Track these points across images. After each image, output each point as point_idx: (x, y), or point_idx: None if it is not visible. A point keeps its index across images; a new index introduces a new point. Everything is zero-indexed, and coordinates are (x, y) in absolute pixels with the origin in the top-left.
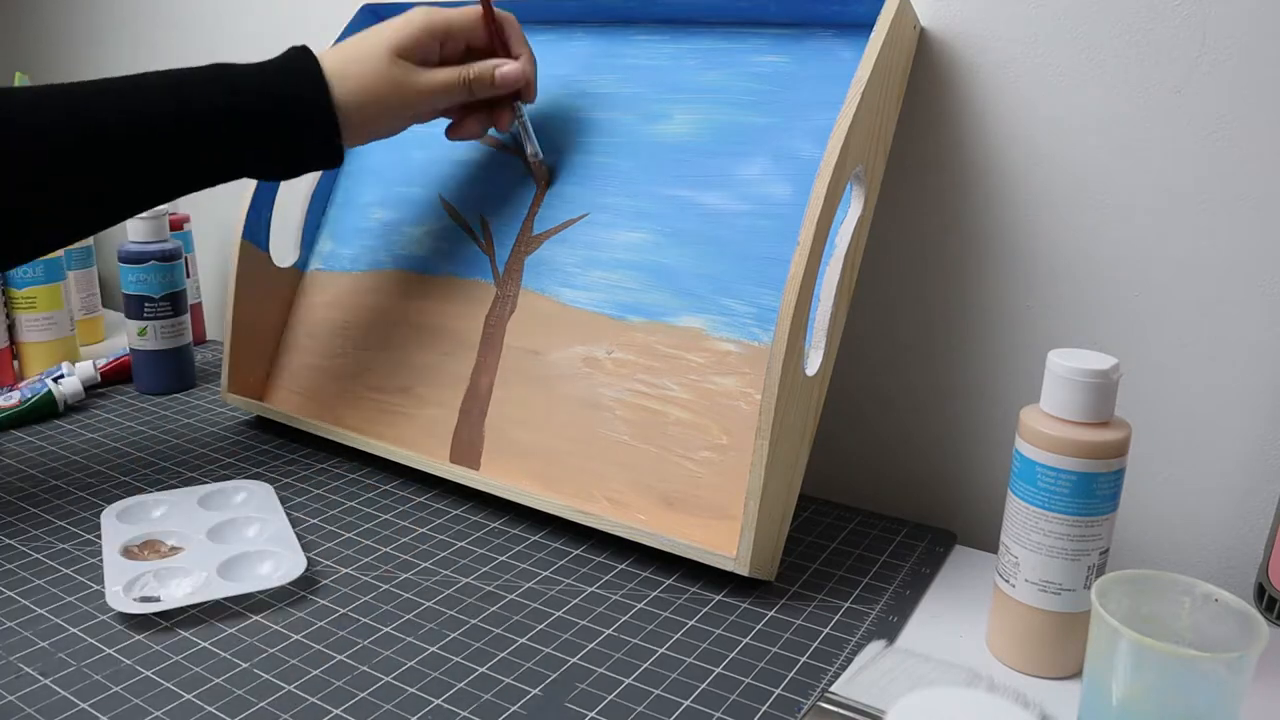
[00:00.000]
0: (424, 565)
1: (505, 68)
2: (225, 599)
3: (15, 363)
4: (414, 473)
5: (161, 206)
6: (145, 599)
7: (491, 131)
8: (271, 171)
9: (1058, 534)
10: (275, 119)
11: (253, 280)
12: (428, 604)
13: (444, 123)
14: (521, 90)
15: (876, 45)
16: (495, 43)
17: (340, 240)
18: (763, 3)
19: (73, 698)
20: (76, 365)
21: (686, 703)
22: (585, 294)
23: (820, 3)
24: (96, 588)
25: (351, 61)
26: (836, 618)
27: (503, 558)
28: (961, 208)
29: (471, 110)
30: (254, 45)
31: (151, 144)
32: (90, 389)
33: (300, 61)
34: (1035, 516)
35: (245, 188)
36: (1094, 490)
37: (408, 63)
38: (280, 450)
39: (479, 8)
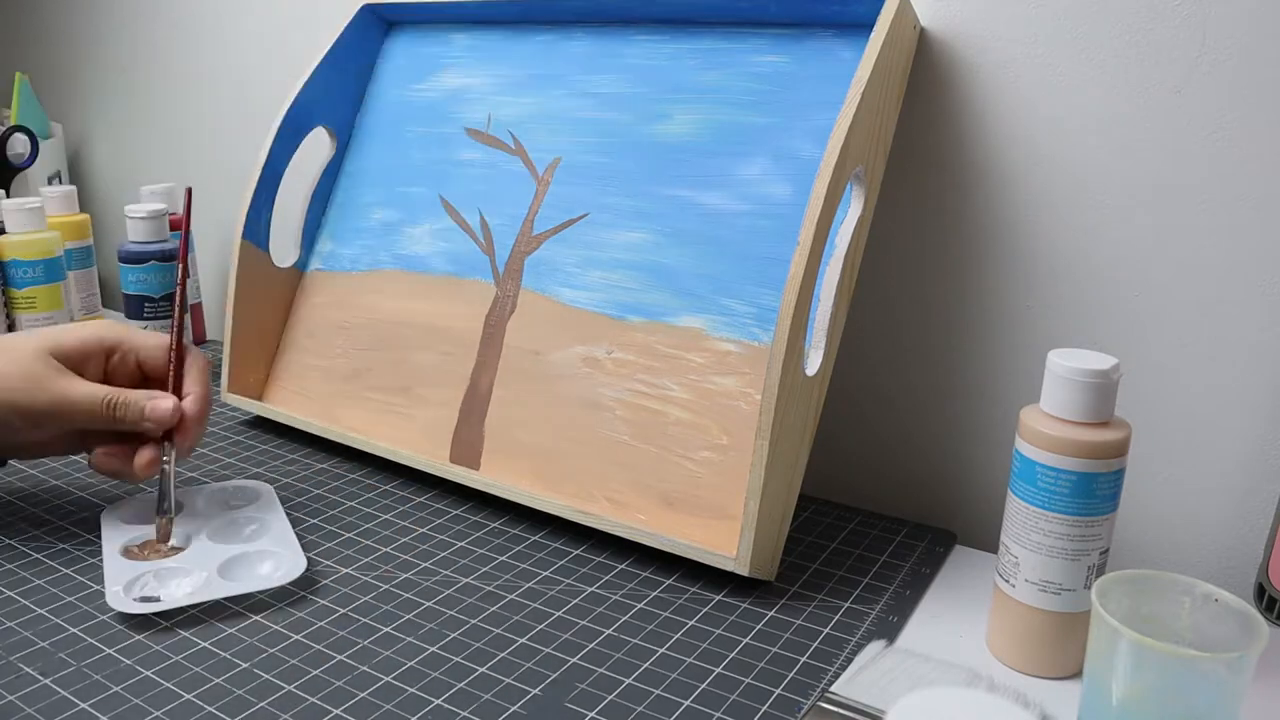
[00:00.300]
0: (424, 565)
1: (161, 402)
2: (225, 599)
3: None
4: (414, 473)
5: (161, 206)
6: (145, 599)
7: (491, 131)
8: None
9: (1058, 534)
10: None
11: (253, 280)
12: (428, 604)
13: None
14: (174, 433)
15: (876, 45)
16: (172, 374)
17: (340, 240)
18: (763, 3)
19: (73, 698)
20: None
21: (686, 703)
22: (585, 294)
23: (820, 3)
24: (96, 588)
25: (3, 345)
26: (836, 618)
27: (503, 558)
28: (961, 208)
29: (123, 442)
30: (255, 44)
31: None
32: None
33: None
34: (1035, 516)
35: (245, 187)
36: (1094, 490)
37: (59, 366)
38: (280, 450)
39: (168, 335)
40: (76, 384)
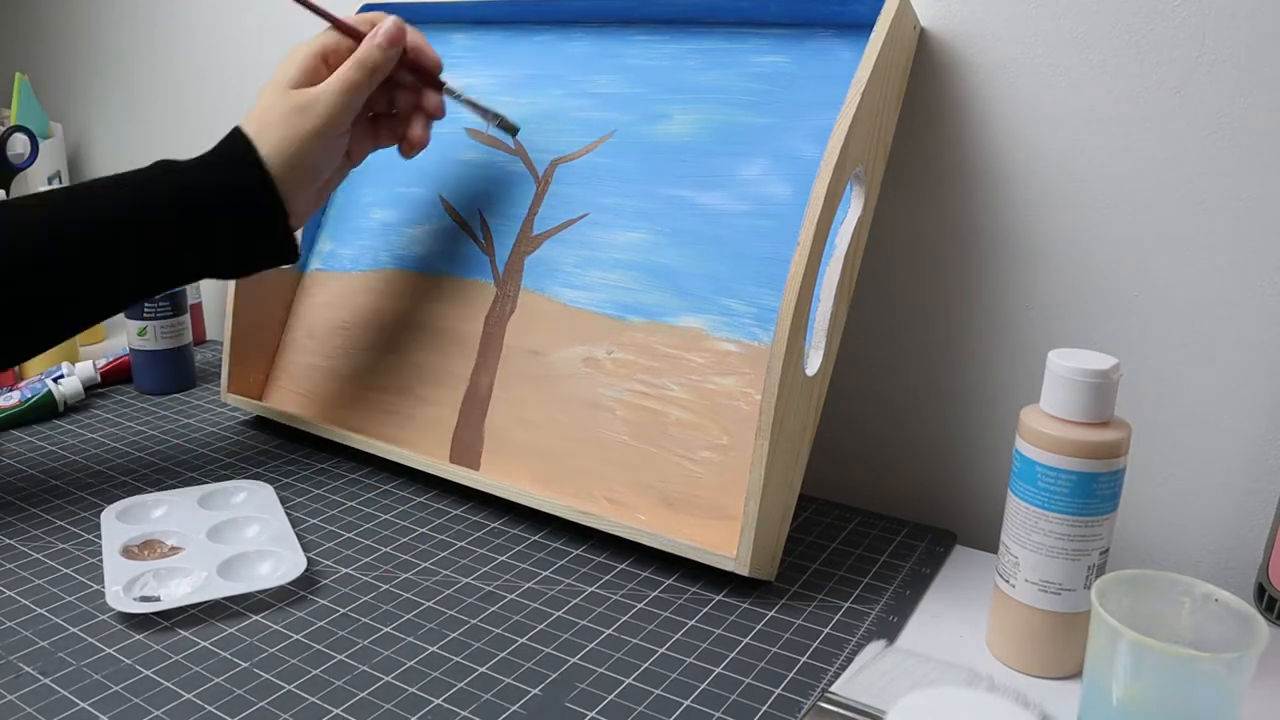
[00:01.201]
0: (424, 565)
1: (379, 30)
2: (225, 599)
3: None
4: (414, 473)
5: None
6: (145, 599)
7: (492, 132)
8: (227, 256)
9: (1058, 534)
10: (214, 202)
11: (253, 280)
12: (428, 604)
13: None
14: (418, 50)
15: (876, 45)
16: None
17: (340, 240)
18: (763, 3)
19: (73, 697)
20: (76, 365)
21: (686, 703)
22: (585, 294)
23: (820, 3)
24: (96, 588)
25: (263, 114)
26: (836, 618)
27: (503, 558)
28: (961, 208)
29: (402, 116)
30: (255, 44)
31: (106, 249)
32: (90, 389)
33: (232, 147)
34: (1035, 516)
35: None
36: (1094, 490)
37: (301, 86)
38: (280, 450)
39: (348, 24)
40: (326, 82)
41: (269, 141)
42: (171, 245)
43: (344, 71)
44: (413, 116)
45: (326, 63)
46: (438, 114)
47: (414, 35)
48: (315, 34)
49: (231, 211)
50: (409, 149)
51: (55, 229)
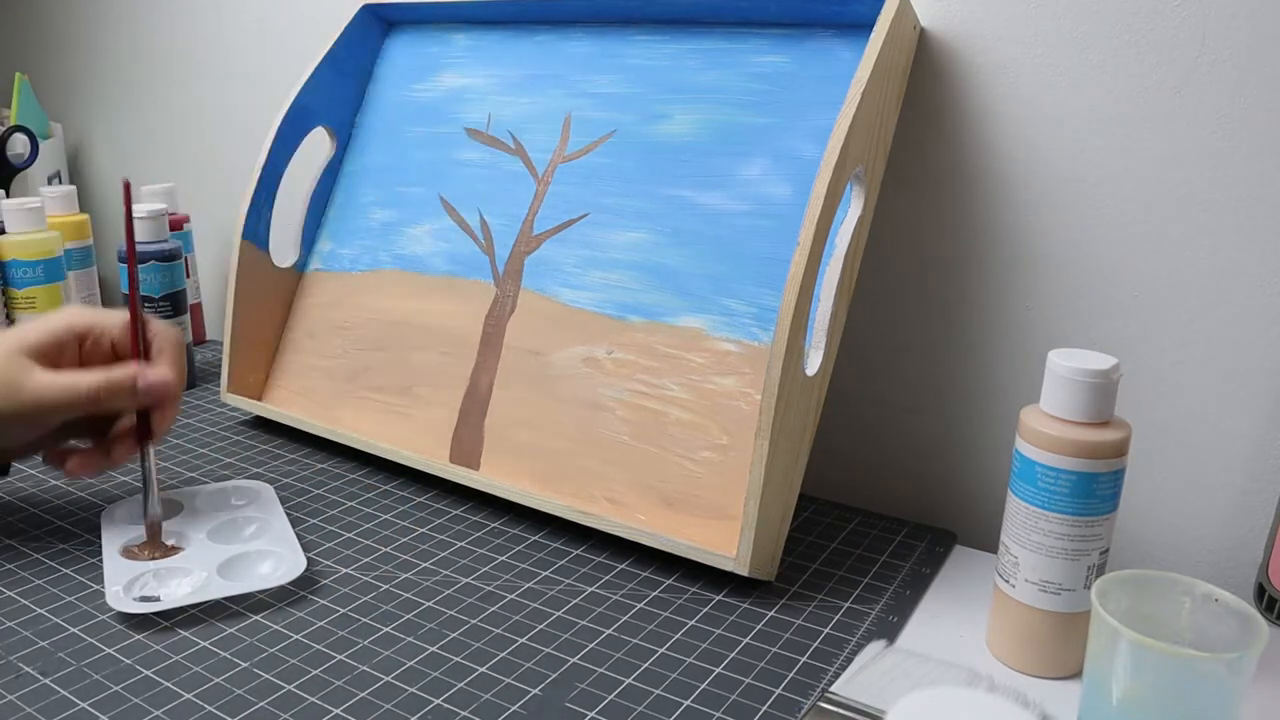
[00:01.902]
0: (424, 565)
1: (150, 374)
2: (225, 599)
3: None
4: (414, 473)
5: (161, 206)
6: (145, 599)
7: (491, 131)
8: None
9: (1058, 534)
10: None
11: (253, 280)
12: (428, 604)
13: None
14: (155, 417)
15: (876, 45)
16: (138, 350)
17: (340, 240)
18: (763, 3)
19: (73, 697)
20: None
21: (686, 703)
22: (585, 294)
23: (820, 3)
24: (96, 588)
25: None
26: (836, 618)
27: (503, 558)
28: (961, 208)
29: (94, 437)
30: (255, 44)
31: None
32: None
33: None
34: (1035, 516)
35: (245, 187)
36: (1094, 490)
37: (32, 362)
38: (280, 450)
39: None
40: (55, 375)
41: None
42: None
43: (78, 386)
44: (98, 446)
45: (80, 344)
46: (114, 464)
47: (176, 387)
48: (87, 310)
49: None
50: (70, 471)
51: None
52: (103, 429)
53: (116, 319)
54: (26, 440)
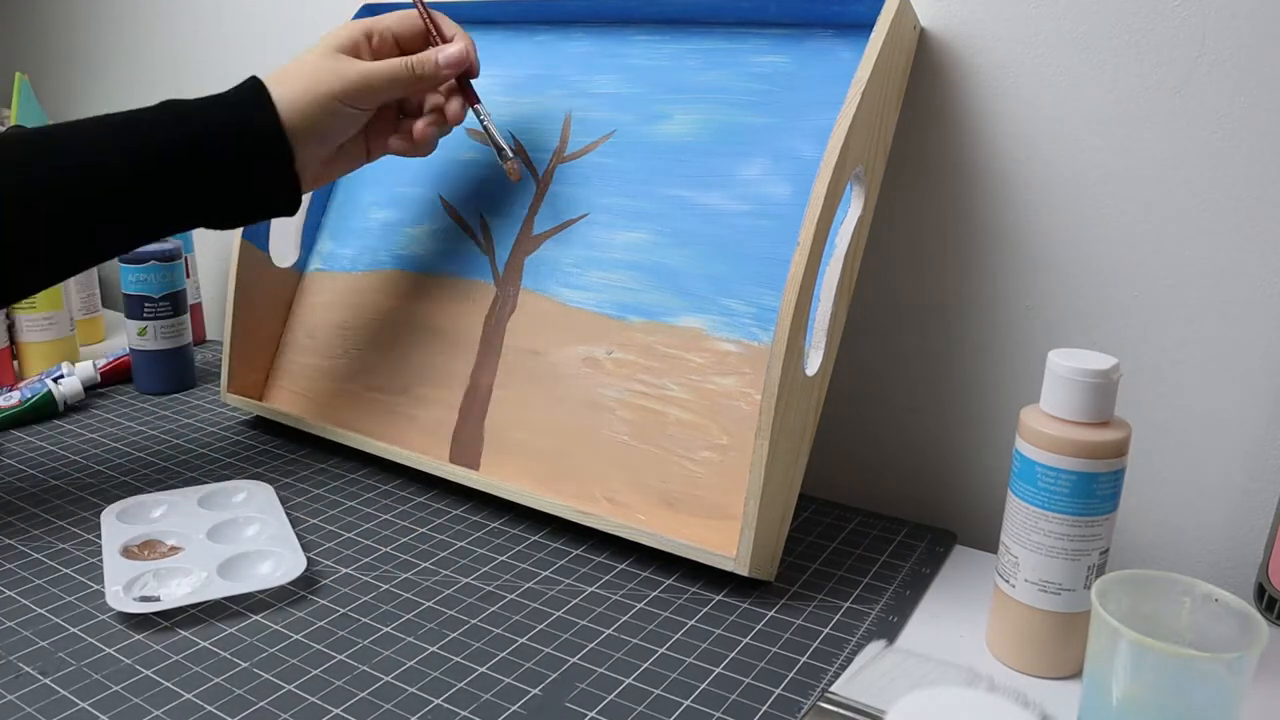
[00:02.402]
0: (424, 565)
1: (447, 48)
2: (225, 599)
3: (15, 363)
4: (414, 473)
5: None
6: (145, 599)
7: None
8: (229, 203)
9: (1058, 534)
10: (224, 138)
11: (253, 280)
12: (428, 604)
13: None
14: (471, 66)
15: (876, 45)
16: (430, 32)
17: (340, 240)
18: (763, 3)
19: (73, 697)
20: (76, 365)
21: (686, 703)
22: (585, 294)
23: (820, 3)
24: (96, 588)
25: (290, 68)
26: (836, 618)
27: (503, 558)
28: (961, 208)
29: (419, 113)
30: (256, 44)
31: (106, 190)
32: (90, 389)
33: (245, 87)
34: (1035, 516)
35: None
36: (1094, 490)
37: (347, 56)
38: (280, 450)
39: (412, 10)
40: (373, 63)
41: (287, 91)
42: (173, 185)
43: (395, 63)
44: (428, 114)
45: (370, 42)
46: (454, 121)
47: (470, 48)
48: (366, 18)
49: (235, 151)
50: (409, 146)
51: (56, 169)
52: (404, 120)
53: (393, 18)
54: (349, 134)
